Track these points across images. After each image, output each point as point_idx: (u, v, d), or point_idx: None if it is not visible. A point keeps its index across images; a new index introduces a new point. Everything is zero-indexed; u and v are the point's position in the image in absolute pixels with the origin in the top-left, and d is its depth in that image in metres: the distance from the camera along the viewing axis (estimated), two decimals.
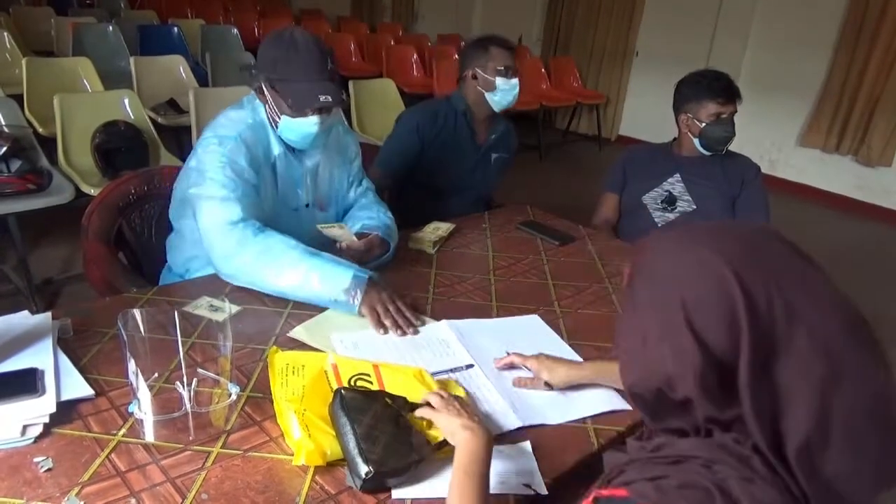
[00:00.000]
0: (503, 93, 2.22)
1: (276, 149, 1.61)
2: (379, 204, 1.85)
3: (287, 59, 1.50)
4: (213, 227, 1.49)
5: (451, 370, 1.29)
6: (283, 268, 1.45)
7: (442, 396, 1.04)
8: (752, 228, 0.72)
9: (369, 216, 1.78)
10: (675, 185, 2.27)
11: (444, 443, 1.00)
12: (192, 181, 1.54)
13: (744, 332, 0.64)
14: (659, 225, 2.28)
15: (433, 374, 1.23)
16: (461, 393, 1.17)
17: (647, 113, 6.27)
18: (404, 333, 1.40)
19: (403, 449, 0.97)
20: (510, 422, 1.15)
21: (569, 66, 6.85)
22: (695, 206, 2.25)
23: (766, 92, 5.52)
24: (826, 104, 5.30)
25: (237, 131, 1.55)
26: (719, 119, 2.15)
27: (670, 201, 2.27)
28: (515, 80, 2.22)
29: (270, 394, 1.14)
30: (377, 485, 0.94)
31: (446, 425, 0.99)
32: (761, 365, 0.64)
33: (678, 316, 0.67)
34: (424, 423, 1.05)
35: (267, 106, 1.57)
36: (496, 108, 2.26)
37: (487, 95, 2.23)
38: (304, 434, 0.99)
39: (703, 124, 2.16)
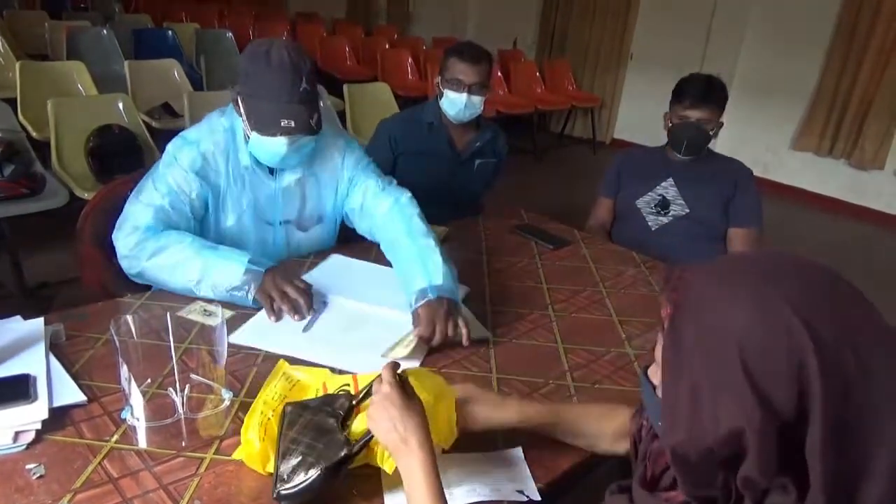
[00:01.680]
0: (449, 104, 2.21)
1: (246, 160, 1.57)
2: (402, 215, 1.63)
3: (257, 75, 1.44)
4: (121, 226, 1.49)
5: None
6: (178, 267, 1.43)
7: (385, 390, 0.90)
8: (813, 267, 0.63)
9: (410, 267, 1.48)
10: (668, 189, 2.28)
11: (367, 443, 0.93)
12: (145, 176, 1.56)
13: (814, 389, 0.56)
14: (653, 229, 2.29)
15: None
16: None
17: (641, 116, 6.28)
18: (302, 317, 1.40)
19: (311, 459, 0.90)
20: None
21: (563, 69, 6.87)
22: (688, 210, 2.25)
23: (759, 95, 5.55)
24: (819, 108, 5.32)
25: (200, 137, 1.55)
26: (683, 122, 2.17)
27: (664, 205, 2.27)
28: (463, 96, 2.16)
29: None
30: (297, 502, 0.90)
31: (385, 441, 0.89)
32: (834, 428, 0.56)
33: (734, 366, 0.59)
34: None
35: (242, 119, 1.53)
36: (451, 119, 2.26)
37: (441, 104, 2.24)
38: (258, 436, 0.98)
39: (670, 125, 2.20)
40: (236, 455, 0.99)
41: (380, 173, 1.75)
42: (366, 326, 1.43)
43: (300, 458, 0.91)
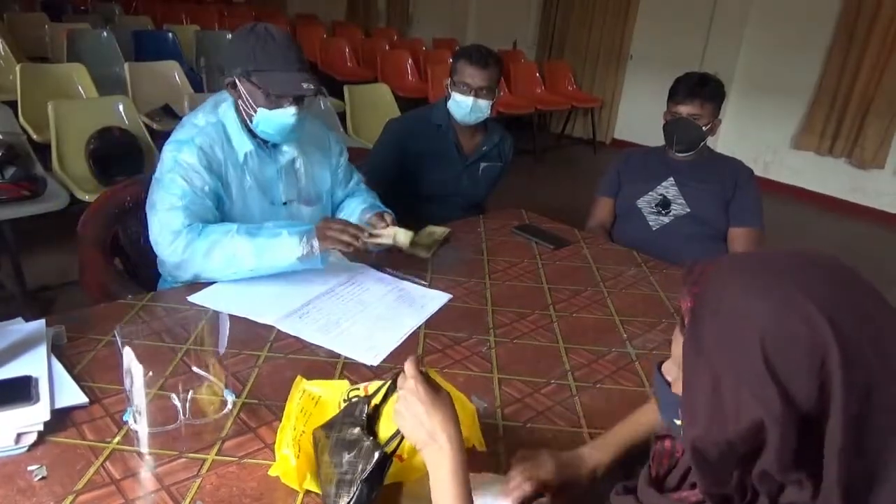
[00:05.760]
0: (456, 106, 2.22)
1: (247, 147, 1.61)
2: (368, 192, 1.92)
3: (265, 50, 1.52)
4: (159, 240, 1.53)
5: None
6: (234, 258, 1.50)
7: (410, 387, 0.85)
8: (836, 265, 0.63)
9: (368, 204, 1.83)
10: (668, 189, 2.28)
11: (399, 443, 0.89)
12: (151, 191, 1.58)
13: (835, 383, 0.56)
14: (654, 229, 2.29)
15: None
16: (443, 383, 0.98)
17: (641, 116, 6.28)
18: (364, 244, 1.56)
19: (349, 477, 0.88)
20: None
21: (563, 69, 6.87)
22: (689, 210, 2.25)
23: (760, 95, 5.55)
24: (819, 107, 5.32)
25: (191, 135, 1.57)
26: (675, 118, 2.18)
27: (664, 205, 2.27)
28: (470, 99, 2.18)
29: (265, 400, 1.14)
30: None
31: (412, 437, 0.85)
32: (854, 424, 0.56)
33: (756, 360, 0.58)
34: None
35: (240, 101, 1.58)
36: (457, 121, 2.27)
37: (448, 106, 2.25)
38: (293, 453, 0.96)
39: (664, 122, 2.21)
40: (272, 471, 0.97)
41: (358, 175, 1.93)
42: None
43: (338, 479, 0.89)
